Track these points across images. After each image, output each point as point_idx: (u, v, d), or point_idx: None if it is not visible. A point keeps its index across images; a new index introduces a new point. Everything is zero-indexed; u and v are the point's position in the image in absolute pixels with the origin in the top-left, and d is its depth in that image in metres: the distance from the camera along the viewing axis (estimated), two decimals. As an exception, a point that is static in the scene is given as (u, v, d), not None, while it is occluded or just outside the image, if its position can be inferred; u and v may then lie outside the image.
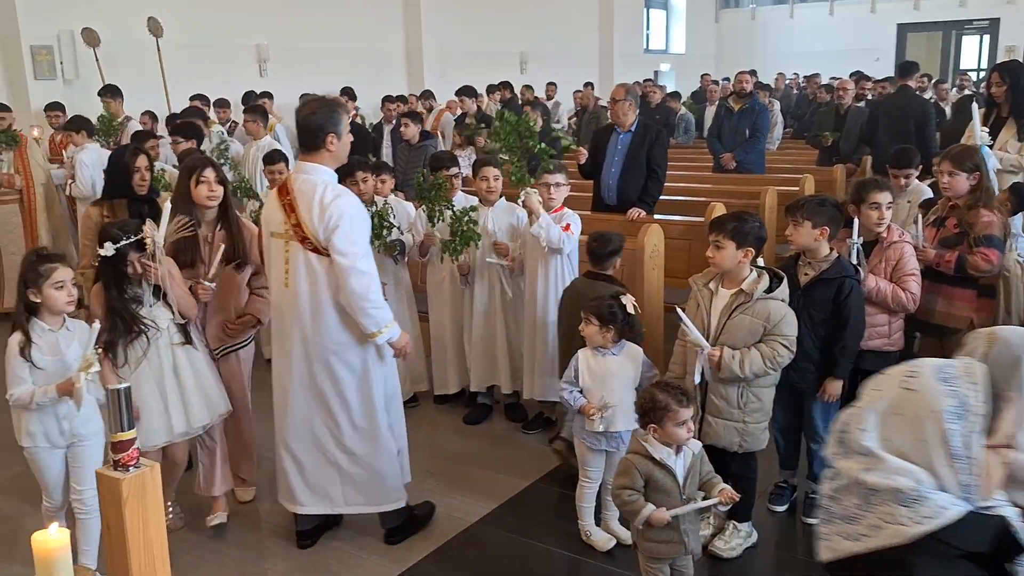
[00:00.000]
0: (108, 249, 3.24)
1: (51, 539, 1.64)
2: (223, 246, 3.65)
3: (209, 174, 3.64)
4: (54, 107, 8.23)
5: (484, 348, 4.79)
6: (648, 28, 20.70)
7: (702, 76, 14.77)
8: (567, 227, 4.36)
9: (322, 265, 3.30)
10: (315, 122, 3.29)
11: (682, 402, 2.77)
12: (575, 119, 12.44)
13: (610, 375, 3.43)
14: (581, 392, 3.45)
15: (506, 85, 11.75)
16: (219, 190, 3.68)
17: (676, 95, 12.56)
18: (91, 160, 6.77)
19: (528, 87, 12.27)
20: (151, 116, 8.64)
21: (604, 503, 3.62)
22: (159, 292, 3.43)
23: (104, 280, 3.36)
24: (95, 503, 3.18)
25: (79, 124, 7.08)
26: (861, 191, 3.72)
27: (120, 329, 3.34)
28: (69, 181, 6.99)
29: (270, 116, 8.32)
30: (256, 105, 7.98)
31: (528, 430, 4.77)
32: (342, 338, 3.38)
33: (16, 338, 3.08)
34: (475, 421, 4.92)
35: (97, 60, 9.02)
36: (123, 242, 3.26)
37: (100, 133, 7.38)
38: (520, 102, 11.20)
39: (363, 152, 7.75)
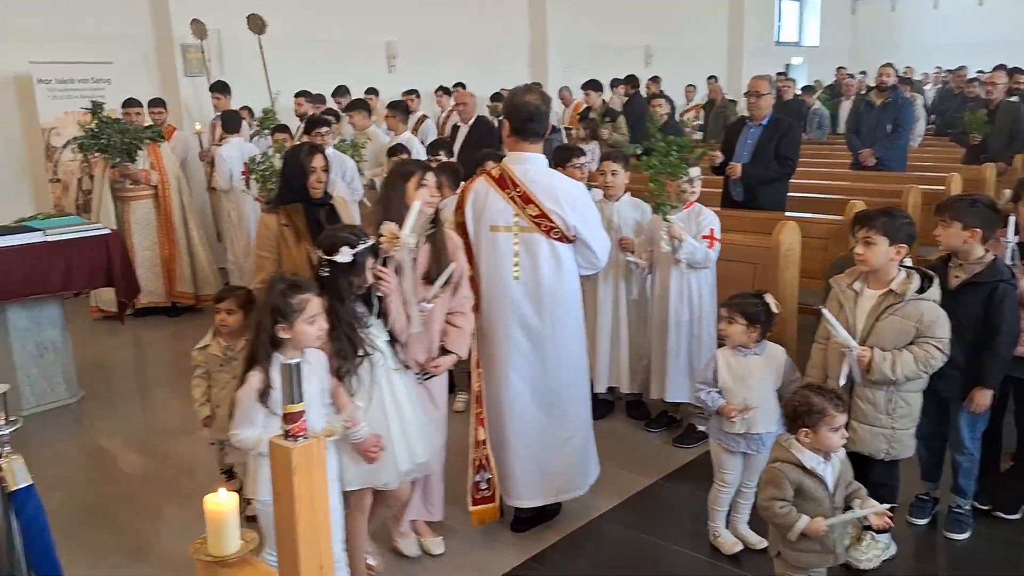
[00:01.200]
0: (345, 255, 2.84)
1: (221, 501, 1.77)
2: (454, 264, 3.28)
3: (430, 178, 3.28)
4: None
5: (608, 346, 4.76)
6: (779, 20, 20.05)
7: (838, 69, 14.19)
8: (711, 234, 4.26)
9: (567, 252, 3.43)
10: (543, 111, 3.36)
11: (838, 406, 2.66)
12: (693, 113, 12.22)
13: (751, 375, 3.34)
14: (719, 392, 3.37)
15: (631, 79, 11.64)
16: (438, 197, 3.38)
17: (810, 89, 12.12)
18: (229, 154, 7.21)
19: (655, 79, 12.11)
20: (248, 111, 8.98)
21: (735, 505, 3.54)
22: (377, 308, 3.03)
23: (331, 293, 2.87)
24: (343, 559, 2.93)
25: (225, 120, 7.52)
26: (1022, 188, 3.51)
27: (347, 351, 2.89)
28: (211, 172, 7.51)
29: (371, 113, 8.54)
30: (360, 100, 8.28)
31: (651, 428, 4.73)
32: (573, 325, 3.53)
33: (257, 379, 2.65)
34: (596, 417, 4.90)
35: (262, 53, 9.37)
36: (361, 246, 2.88)
37: (259, 127, 7.79)
38: (647, 95, 11.07)
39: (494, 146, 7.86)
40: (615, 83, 11.67)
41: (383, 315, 3.03)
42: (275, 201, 3.80)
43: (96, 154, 6.97)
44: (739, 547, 3.47)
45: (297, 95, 9.39)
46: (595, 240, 3.45)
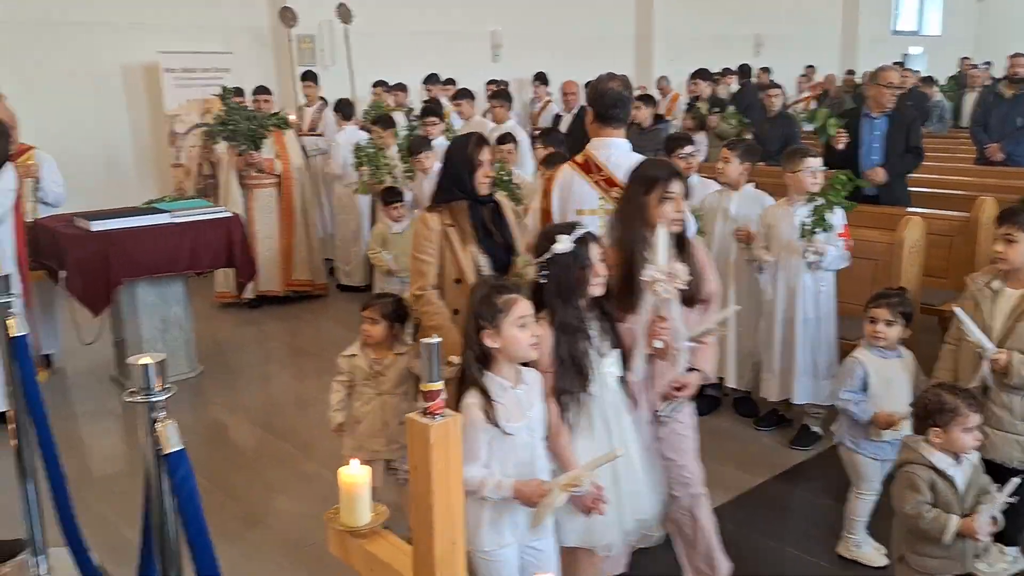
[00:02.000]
0: (564, 242, 2.47)
1: (354, 474, 1.83)
2: (730, 308, 3.05)
3: (676, 187, 2.75)
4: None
5: (716, 341, 4.65)
6: (897, 8, 19.18)
7: (962, 60, 13.51)
8: (846, 232, 4.12)
9: None
10: (625, 98, 3.34)
11: (972, 406, 2.54)
12: (804, 104, 11.82)
13: (895, 380, 3.21)
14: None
15: (744, 68, 11.36)
16: (683, 211, 2.84)
17: (930, 80, 11.57)
18: (345, 140, 7.40)
19: (765, 69, 11.78)
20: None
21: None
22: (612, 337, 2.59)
23: (553, 292, 2.49)
24: None
25: (341, 107, 7.72)
26: None
27: (570, 372, 2.47)
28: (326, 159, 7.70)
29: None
30: (465, 89, 8.35)
31: (761, 427, 4.62)
32: None
33: (475, 401, 2.31)
34: (702, 413, 4.82)
35: (348, 44, 9.67)
36: (579, 232, 2.49)
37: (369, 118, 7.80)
38: (756, 85, 10.79)
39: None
40: (724, 72, 11.43)
41: (620, 347, 2.60)
42: (436, 199, 3.38)
43: (221, 140, 7.06)
44: (884, 561, 3.28)
45: (376, 84, 9.58)
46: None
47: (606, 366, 2.56)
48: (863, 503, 3.35)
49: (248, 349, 6.31)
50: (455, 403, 2.33)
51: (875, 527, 3.34)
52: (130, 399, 1.84)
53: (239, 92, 7.55)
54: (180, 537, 1.85)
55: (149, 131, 9.06)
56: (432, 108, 7.54)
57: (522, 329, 2.30)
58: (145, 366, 1.84)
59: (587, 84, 4.12)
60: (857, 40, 16.78)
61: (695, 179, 4.86)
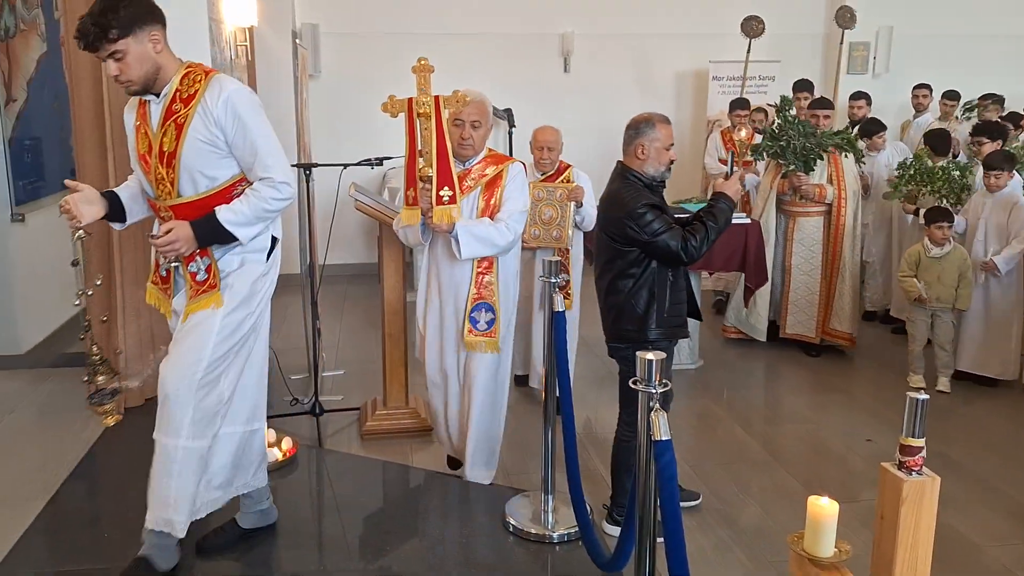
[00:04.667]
0: None
1: (823, 505, 1.88)
2: None
3: None
4: (858, 96, 8.06)
5: None
6: None
7: None
8: None
9: None
10: None
11: None
12: None
13: None
14: None
15: None
16: None
17: None
18: (888, 161, 6.94)
19: None
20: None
21: None
22: None
23: None
24: None
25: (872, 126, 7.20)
26: None
27: None
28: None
29: None
30: None
31: None
32: None
33: None
34: None
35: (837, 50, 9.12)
36: None
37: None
38: None
39: None
40: None
41: None
42: None
43: (768, 158, 6.37)
44: None
45: (918, 87, 8.78)
46: None
47: None
48: None
49: (756, 386, 6.04)
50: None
51: None
52: (633, 387, 2.17)
53: (826, 103, 6.71)
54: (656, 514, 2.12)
55: (690, 135, 9.75)
56: (994, 124, 6.75)
57: None
58: (650, 361, 2.15)
59: None
60: None
61: None
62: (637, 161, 3.55)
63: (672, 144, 3.58)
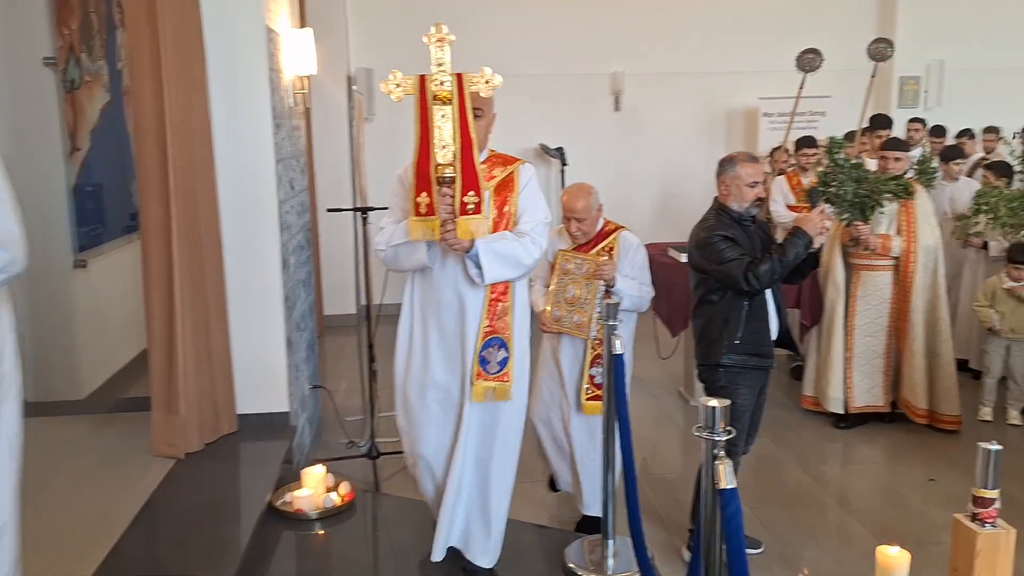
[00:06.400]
0: None
1: (893, 555, 1.87)
2: None
3: None
4: (914, 120, 8.24)
5: None
6: None
7: None
8: None
9: None
10: None
11: None
12: None
13: None
14: None
15: None
16: None
17: None
18: (961, 192, 6.74)
19: None
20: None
21: None
22: None
23: None
24: None
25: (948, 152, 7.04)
26: None
27: None
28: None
29: None
30: None
31: None
32: None
33: None
34: None
35: (871, 82, 9.03)
36: None
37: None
38: None
39: None
40: None
41: None
42: None
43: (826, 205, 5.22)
44: None
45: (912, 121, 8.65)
46: None
47: None
48: None
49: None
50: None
51: None
52: (697, 434, 2.18)
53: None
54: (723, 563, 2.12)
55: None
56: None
57: None
58: (713, 408, 2.17)
59: None
60: None
61: None
62: (723, 197, 3.72)
63: (756, 182, 3.67)
